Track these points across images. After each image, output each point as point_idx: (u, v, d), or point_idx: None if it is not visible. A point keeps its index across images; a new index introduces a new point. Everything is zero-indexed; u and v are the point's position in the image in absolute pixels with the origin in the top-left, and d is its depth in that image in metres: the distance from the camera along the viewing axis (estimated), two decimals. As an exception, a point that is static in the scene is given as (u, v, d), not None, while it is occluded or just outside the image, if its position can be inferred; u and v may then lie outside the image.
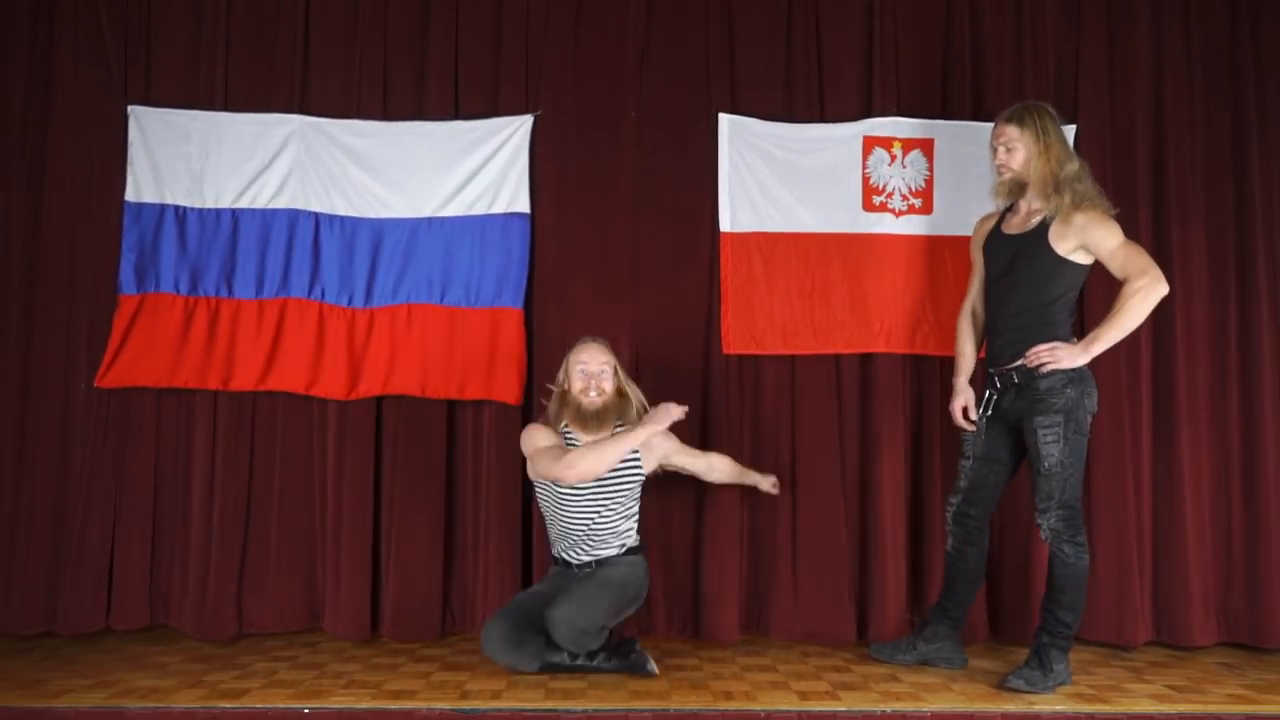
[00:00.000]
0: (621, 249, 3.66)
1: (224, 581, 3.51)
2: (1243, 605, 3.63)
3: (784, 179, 3.66)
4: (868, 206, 3.68)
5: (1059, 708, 2.83)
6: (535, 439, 3.15)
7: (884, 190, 3.69)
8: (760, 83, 3.71)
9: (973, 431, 3.15)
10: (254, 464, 3.59)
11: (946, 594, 3.24)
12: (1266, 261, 3.72)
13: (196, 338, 3.53)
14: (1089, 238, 2.95)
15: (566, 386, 3.18)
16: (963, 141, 3.67)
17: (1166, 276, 3.64)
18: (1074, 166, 3.03)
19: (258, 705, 2.76)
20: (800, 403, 3.66)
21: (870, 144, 3.68)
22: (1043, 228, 3.01)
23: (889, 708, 2.80)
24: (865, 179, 3.69)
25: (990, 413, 3.11)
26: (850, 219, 3.67)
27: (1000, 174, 3.10)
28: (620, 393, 3.22)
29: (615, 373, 3.22)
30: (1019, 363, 3.01)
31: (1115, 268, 2.95)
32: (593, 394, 3.15)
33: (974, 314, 3.30)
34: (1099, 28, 3.77)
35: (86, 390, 3.53)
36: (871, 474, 3.62)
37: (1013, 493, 3.62)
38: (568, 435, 3.22)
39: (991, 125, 3.62)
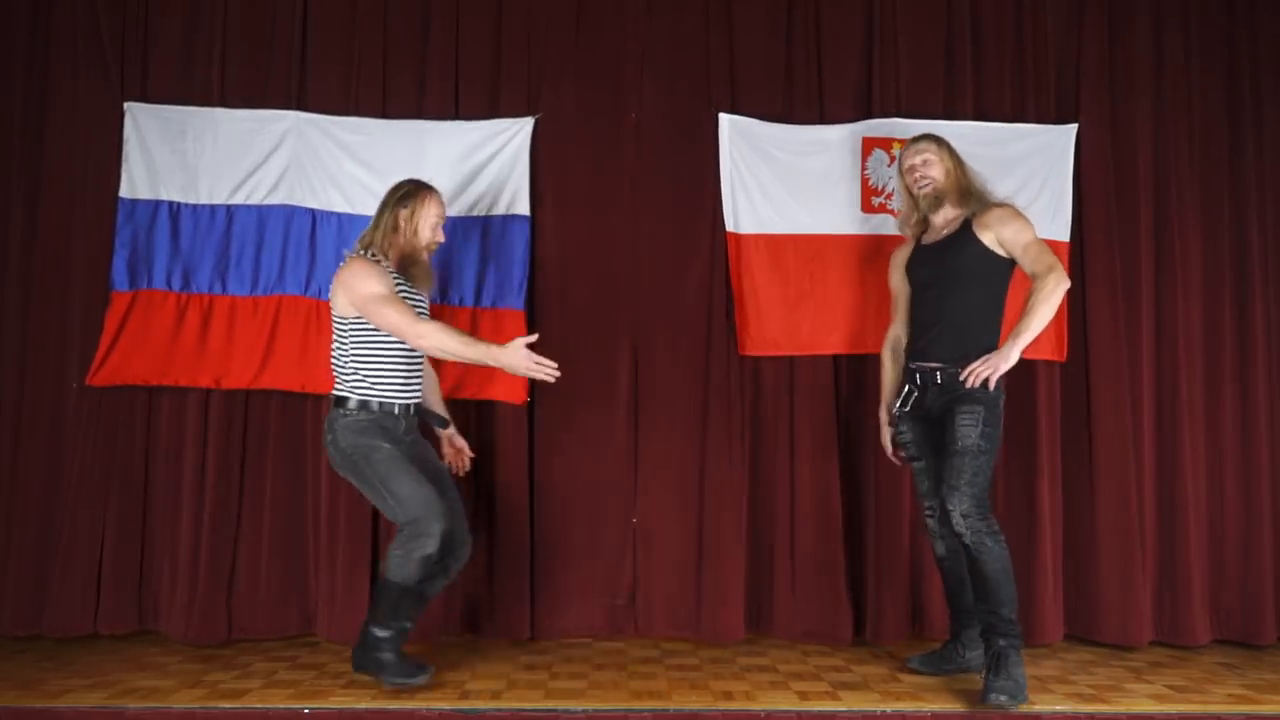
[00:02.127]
0: (622, 250, 3.66)
1: (214, 585, 3.48)
2: (1235, 603, 3.66)
3: (784, 180, 3.66)
4: (866, 208, 3.69)
5: (1059, 708, 2.84)
6: (375, 283, 2.94)
7: (883, 191, 3.69)
8: (760, 83, 3.71)
9: (895, 430, 3.21)
10: (245, 464, 3.56)
11: (965, 596, 3.15)
12: (1261, 261, 3.75)
13: (188, 335, 3.50)
14: (1005, 231, 3.04)
15: (411, 233, 3.09)
16: (964, 142, 3.59)
17: (1169, 276, 3.72)
18: (979, 179, 3.20)
19: (258, 705, 2.76)
20: (800, 402, 3.65)
21: (870, 145, 3.68)
22: (966, 224, 3.10)
23: (889, 708, 2.81)
24: (864, 180, 3.69)
25: (908, 408, 3.13)
26: (849, 220, 3.67)
27: (921, 187, 3.18)
28: None
29: None
30: (948, 366, 3.03)
31: (1026, 263, 3.02)
32: (435, 248, 3.17)
33: (896, 345, 3.33)
34: (1099, 28, 3.78)
35: (79, 388, 3.52)
36: (873, 473, 3.62)
37: (1010, 495, 3.65)
38: (396, 279, 3.06)
39: (993, 125, 3.70)
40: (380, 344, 3.01)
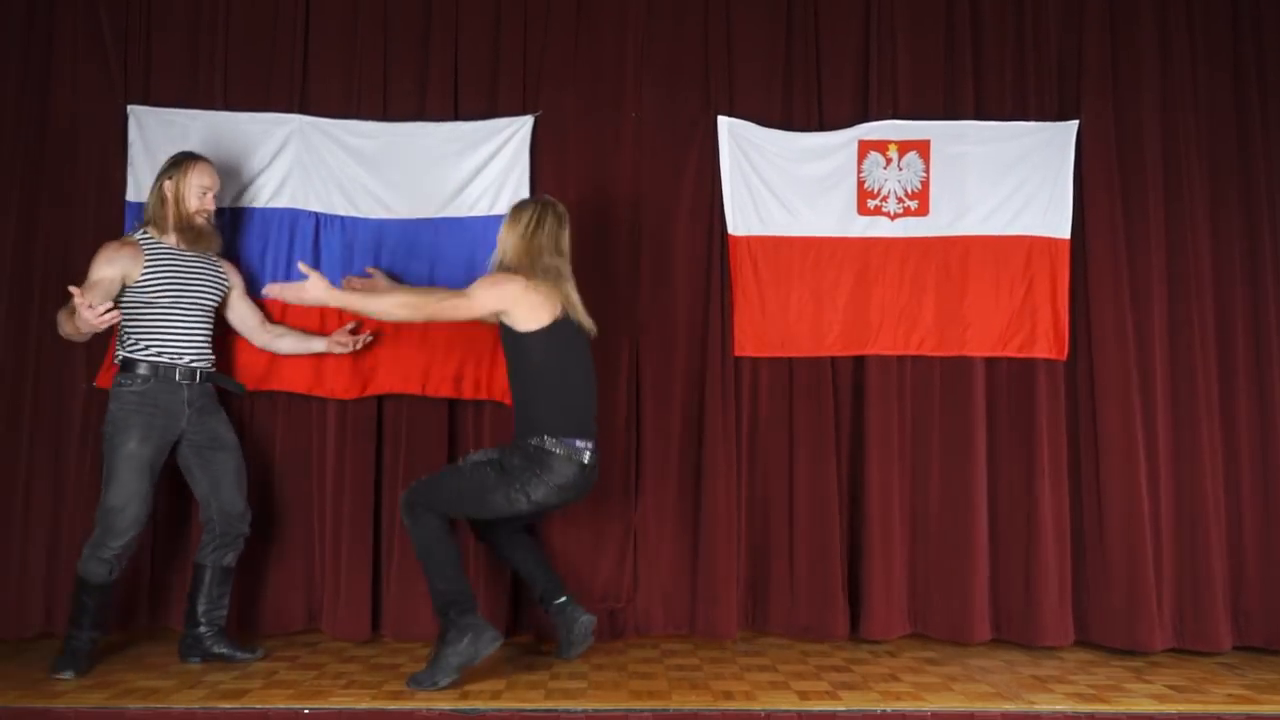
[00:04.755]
0: (621, 250, 3.68)
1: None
2: (1257, 607, 3.58)
3: (781, 184, 3.69)
4: (862, 210, 3.71)
5: (1059, 708, 2.83)
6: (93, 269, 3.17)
7: (879, 194, 3.71)
8: (760, 82, 3.73)
9: None
10: (251, 464, 3.53)
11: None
12: (1273, 256, 3.72)
13: None
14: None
15: (177, 199, 3.26)
16: (961, 140, 3.70)
17: (1181, 273, 3.66)
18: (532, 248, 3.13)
19: (257, 705, 2.76)
20: (797, 404, 3.67)
21: (865, 148, 3.71)
22: None
23: (889, 708, 2.80)
24: (860, 183, 3.71)
25: None
26: (845, 223, 3.70)
27: None
28: None
29: None
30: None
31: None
32: (208, 214, 3.30)
33: None
34: (1101, 22, 3.76)
35: (85, 389, 3.52)
36: (869, 475, 3.63)
37: (1009, 495, 3.65)
38: (150, 240, 3.26)
39: (992, 124, 3.71)
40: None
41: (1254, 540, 3.64)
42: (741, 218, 3.67)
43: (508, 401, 3.52)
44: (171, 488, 3.56)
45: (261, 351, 3.52)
